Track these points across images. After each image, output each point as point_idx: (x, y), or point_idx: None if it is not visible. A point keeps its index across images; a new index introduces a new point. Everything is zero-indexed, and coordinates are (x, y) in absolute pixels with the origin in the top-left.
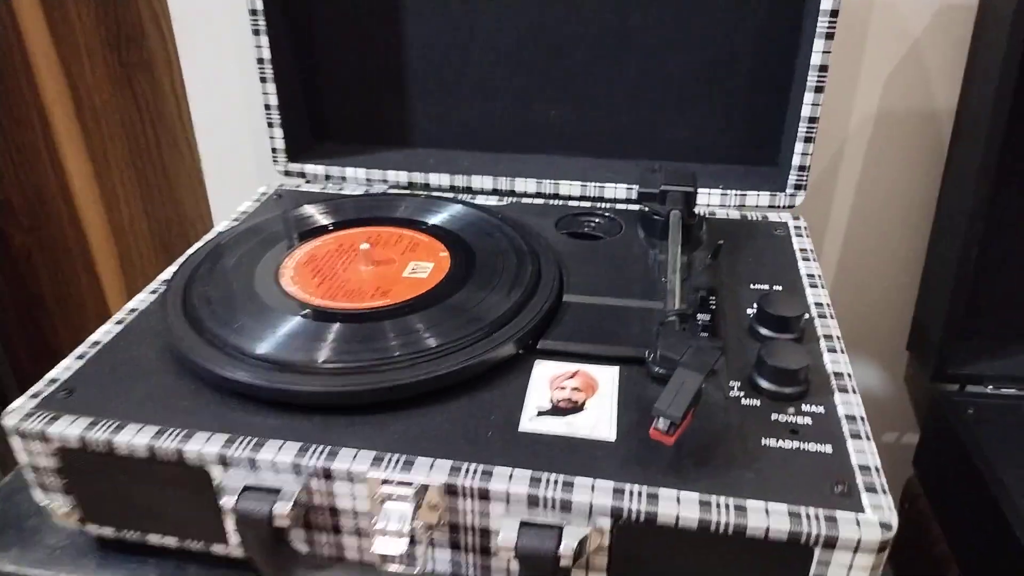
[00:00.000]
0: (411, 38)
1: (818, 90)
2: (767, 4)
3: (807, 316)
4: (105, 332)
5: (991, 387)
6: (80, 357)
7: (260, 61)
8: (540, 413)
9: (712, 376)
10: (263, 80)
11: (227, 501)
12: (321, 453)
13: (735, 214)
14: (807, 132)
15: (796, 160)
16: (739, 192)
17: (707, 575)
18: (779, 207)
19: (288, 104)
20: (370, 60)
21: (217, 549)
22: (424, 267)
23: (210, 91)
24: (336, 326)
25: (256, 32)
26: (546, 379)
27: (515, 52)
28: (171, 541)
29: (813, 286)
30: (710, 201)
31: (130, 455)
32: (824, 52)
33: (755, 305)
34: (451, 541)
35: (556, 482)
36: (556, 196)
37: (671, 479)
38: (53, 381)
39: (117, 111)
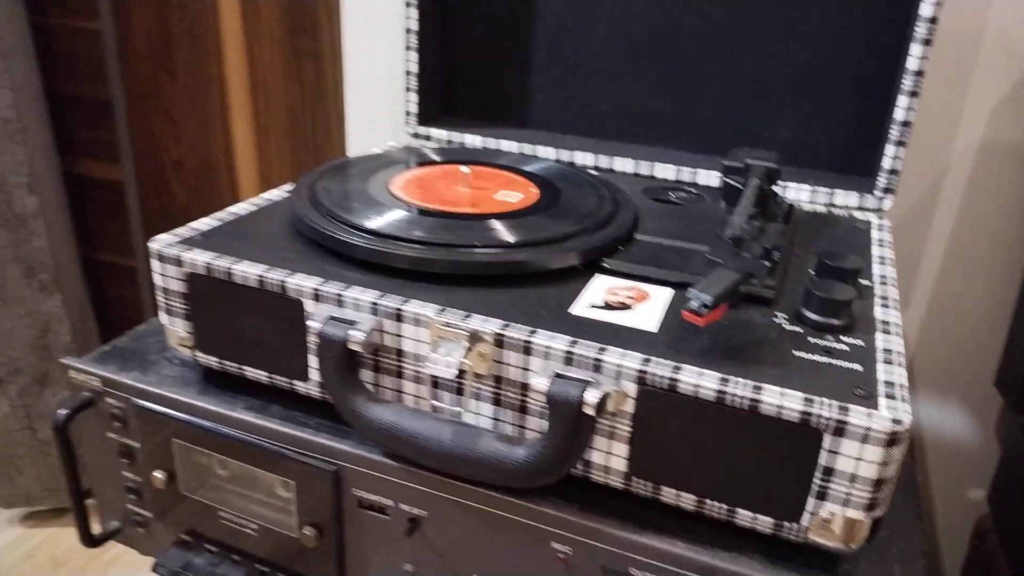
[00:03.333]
0: (539, 22)
1: (913, 94)
2: (875, 11)
3: (866, 282)
4: (241, 207)
5: None
6: (218, 219)
7: (408, 31)
8: (592, 306)
9: (750, 281)
10: (408, 48)
11: (313, 324)
12: (396, 298)
13: (823, 211)
14: (900, 136)
15: (887, 163)
16: (828, 190)
17: (722, 454)
18: (867, 208)
19: (425, 73)
20: (500, 40)
21: (299, 386)
22: (515, 196)
23: (363, 74)
24: (426, 218)
25: (408, 4)
26: (604, 287)
27: (631, 43)
28: (263, 376)
29: (882, 263)
30: (799, 197)
31: (243, 283)
32: (922, 58)
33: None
34: (494, 396)
35: (591, 346)
36: (651, 178)
37: (699, 362)
38: (193, 229)
39: (284, 93)
